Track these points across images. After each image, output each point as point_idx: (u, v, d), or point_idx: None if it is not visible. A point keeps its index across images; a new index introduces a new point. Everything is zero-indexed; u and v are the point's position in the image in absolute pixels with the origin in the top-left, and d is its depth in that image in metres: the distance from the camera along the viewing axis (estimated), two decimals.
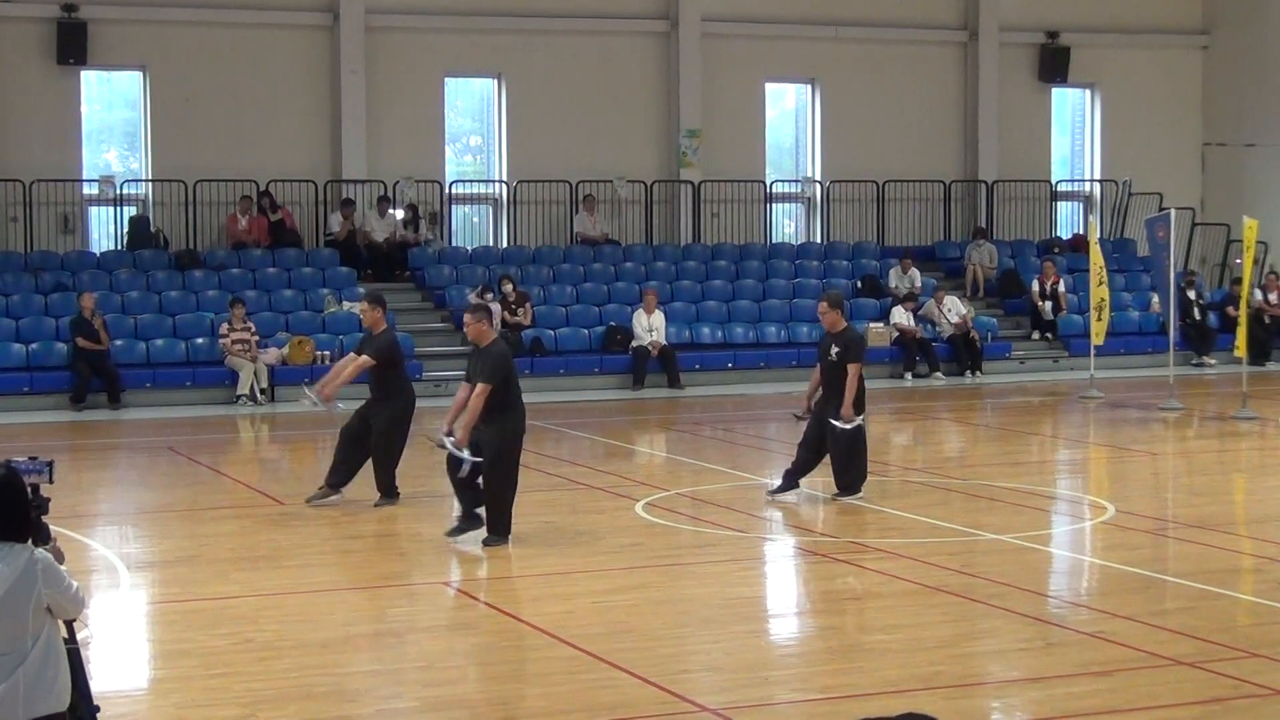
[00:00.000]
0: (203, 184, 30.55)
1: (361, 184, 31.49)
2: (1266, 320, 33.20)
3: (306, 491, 16.97)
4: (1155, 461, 21.21)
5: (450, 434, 14.32)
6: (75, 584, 7.07)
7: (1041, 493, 18.17)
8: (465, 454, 14.17)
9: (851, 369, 16.41)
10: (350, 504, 16.42)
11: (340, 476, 16.65)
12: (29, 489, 7.37)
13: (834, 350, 16.53)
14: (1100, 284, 27.43)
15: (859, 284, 32.86)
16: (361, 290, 29.75)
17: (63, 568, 7.17)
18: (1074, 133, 37.92)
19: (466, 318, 14.88)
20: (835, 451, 16.61)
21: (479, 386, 14.21)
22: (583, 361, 29.39)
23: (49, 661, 6.88)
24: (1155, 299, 32.48)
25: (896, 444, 23.97)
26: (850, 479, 16.65)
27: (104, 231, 31.18)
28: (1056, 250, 34.95)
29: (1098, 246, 27.96)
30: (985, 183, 35.81)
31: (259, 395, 26.73)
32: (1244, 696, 9.92)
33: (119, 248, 30.47)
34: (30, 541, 7.06)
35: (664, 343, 29.09)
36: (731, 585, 13.46)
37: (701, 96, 33.65)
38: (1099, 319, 27.47)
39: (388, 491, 16.59)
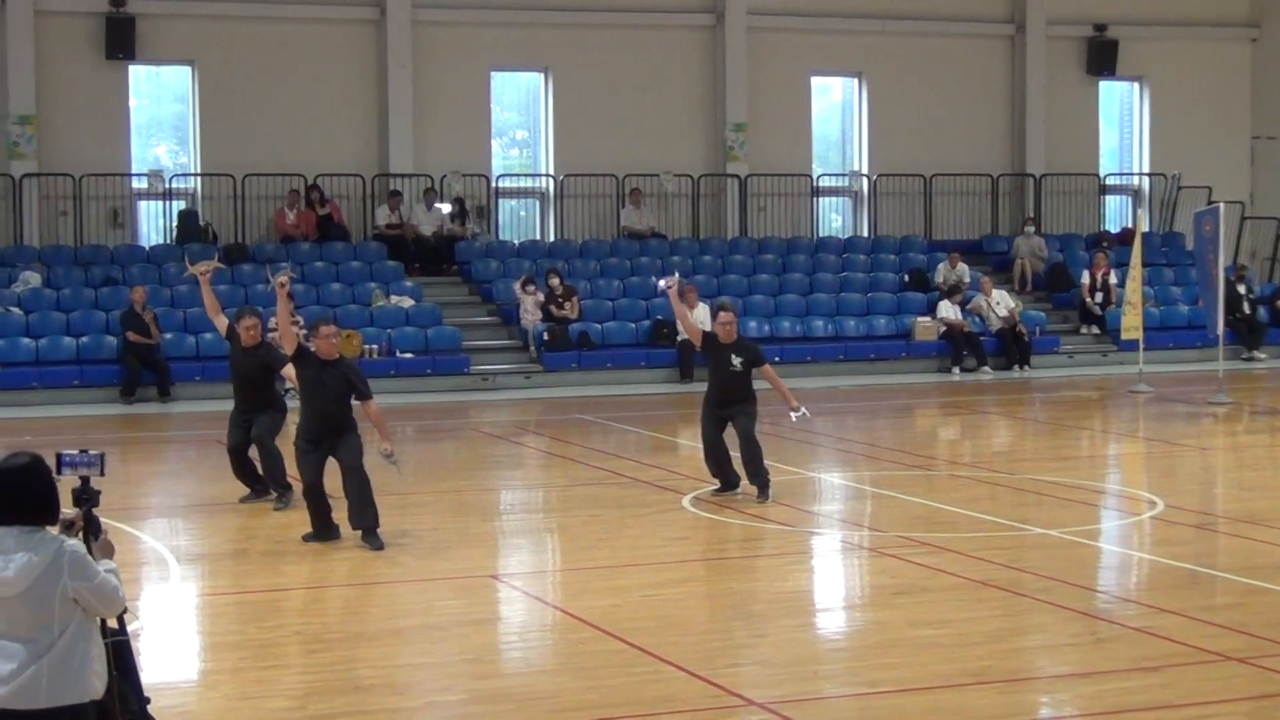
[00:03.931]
0: (251, 178, 30.68)
1: (409, 178, 31.55)
2: None
3: None
4: (1204, 456, 21.10)
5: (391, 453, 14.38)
6: (116, 582, 7.05)
7: (1089, 487, 18.11)
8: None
9: (767, 369, 16.75)
10: (395, 498, 16.43)
11: (258, 483, 16.62)
12: (82, 481, 7.43)
13: (736, 360, 16.60)
14: (1134, 279, 27.34)
15: (906, 278, 32.78)
16: (410, 284, 29.86)
17: (111, 563, 7.20)
18: (1122, 126, 37.75)
19: (329, 331, 14.64)
20: (748, 454, 16.59)
21: (372, 403, 14.46)
22: (629, 355, 29.42)
23: (75, 652, 6.91)
24: None
25: (944, 438, 23.94)
26: (765, 476, 16.60)
27: (153, 225, 31.32)
28: (1105, 244, 34.80)
29: (1140, 240, 27.85)
30: (1033, 176, 35.68)
31: None
32: None
33: (168, 241, 30.61)
34: (60, 531, 7.11)
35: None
36: (779, 579, 13.46)
37: (748, 90, 33.62)
38: (1133, 313, 27.33)
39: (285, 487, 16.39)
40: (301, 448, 14.49)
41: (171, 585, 13.32)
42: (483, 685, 10.18)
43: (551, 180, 33.13)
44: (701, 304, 29.45)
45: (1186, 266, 34.53)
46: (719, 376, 16.78)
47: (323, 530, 14.51)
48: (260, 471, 16.49)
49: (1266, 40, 37.36)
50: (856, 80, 35.31)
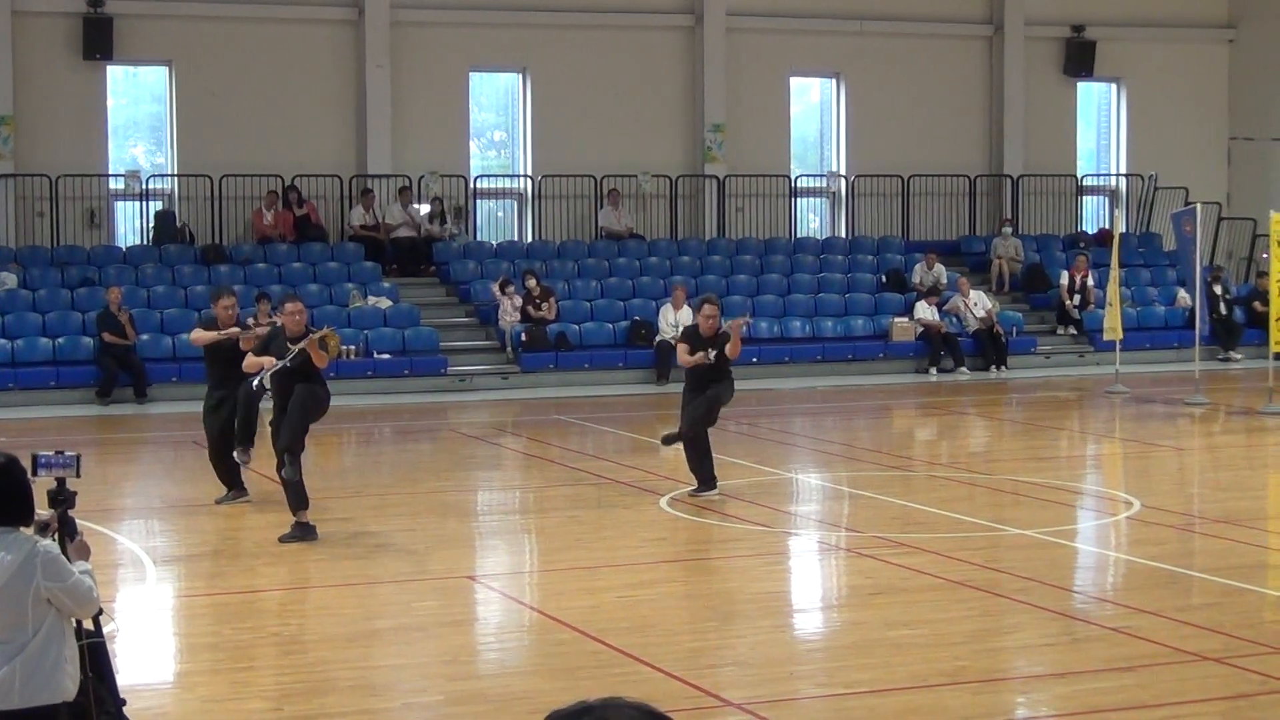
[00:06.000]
0: (228, 179, 30.62)
1: (386, 178, 31.52)
2: None
3: (330, 486, 16.97)
4: (1181, 456, 21.15)
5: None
6: (90, 583, 7.05)
7: (1067, 488, 18.14)
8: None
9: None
10: (373, 499, 16.42)
11: (235, 483, 16.63)
12: (57, 482, 7.41)
13: (712, 354, 16.67)
14: (1113, 279, 27.37)
15: (884, 279, 32.81)
16: (388, 285, 29.82)
17: (86, 565, 7.19)
18: (1099, 127, 37.82)
19: (294, 307, 14.96)
20: (700, 411, 16.74)
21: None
22: (607, 356, 29.40)
23: (49, 653, 6.91)
24: (1181, 293, 32.42)
25: (921, 439, 23.96)
26: (710, 470, 16.77)
27: (130, 226, 31.25)
28: (1083, 245, 34.86)
29: (1118, 241, 27.88)
30: (1010, 177, 35.73)
31: None
32: (1270, 692, 9.89)
33: (145, 242, 30.54)
34: (35, 532, 7.10)
35: None
36: (756, 580, 13.46)
37: (726, 91, 33.63)
38: (1113, 314, 27.37)
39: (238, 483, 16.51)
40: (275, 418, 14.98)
41: (147, 586, 13.28)
42: (460, 686, 10.17)
43: (529, 181, 33.11)
44: (686, 305, 29.52)
45: (1163, 267, 34.63)
46: (697, 368, 16.85)
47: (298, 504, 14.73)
48: (238, 474, 16.50)
49: (1244, 42, 37.46)
50: (835, 81, 35.33)
